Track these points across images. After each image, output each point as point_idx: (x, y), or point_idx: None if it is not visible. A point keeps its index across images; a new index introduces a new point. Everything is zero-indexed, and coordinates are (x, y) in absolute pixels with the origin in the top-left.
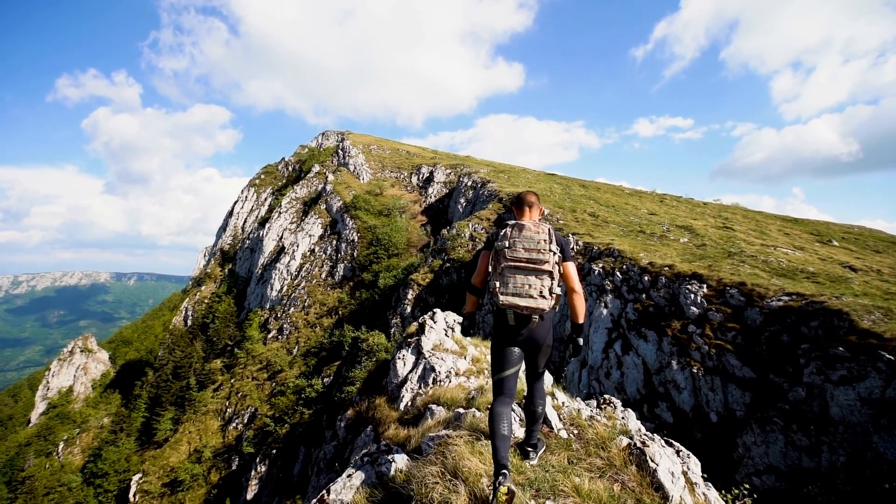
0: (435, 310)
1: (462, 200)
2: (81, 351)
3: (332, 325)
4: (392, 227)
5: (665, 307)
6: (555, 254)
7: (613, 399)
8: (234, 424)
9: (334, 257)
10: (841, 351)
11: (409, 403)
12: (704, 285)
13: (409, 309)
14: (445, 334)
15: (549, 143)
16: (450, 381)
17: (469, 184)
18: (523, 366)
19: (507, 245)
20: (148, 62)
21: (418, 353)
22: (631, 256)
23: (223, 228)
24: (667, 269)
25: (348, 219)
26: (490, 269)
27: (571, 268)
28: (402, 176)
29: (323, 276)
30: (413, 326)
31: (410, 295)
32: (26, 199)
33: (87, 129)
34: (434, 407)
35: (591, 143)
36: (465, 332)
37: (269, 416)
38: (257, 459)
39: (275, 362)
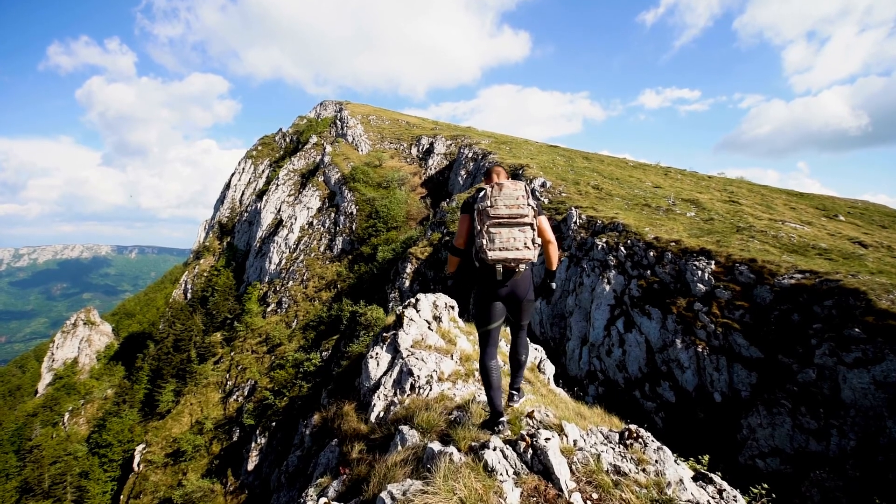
0: (419, 296)
1: (462, 172)
2: (84, 323)
3: (331, 299)
4: (391, 199)
5: (670, 284)
6: (532, 207)
7: (641, 431)
8: (234, 397)
9: (333, 230)
10: (857, 332)
11: (381, 415)
12: (712, 262)
13: (407, 283)
14: (429, 327)
15: (553, 115)
16: (430, 389)
17: (470, 155)
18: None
19: (489, 204)
20: (142, 28)
21: (395, 351)
22: (636, 231)
23: (221, 201)
24: (673, 244)
25: (346, 191)
26: (474, 230)
27: (544, 221)
28: (401, 147)
29: (321, 249)
30: (391, 317)
31: (409, 269)
32: (23, 172)
33: (82, 99)
34: (405, 430)
35: (595, 115)
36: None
37: (268, 389)
38: (257, 431)
39: (274, 336)
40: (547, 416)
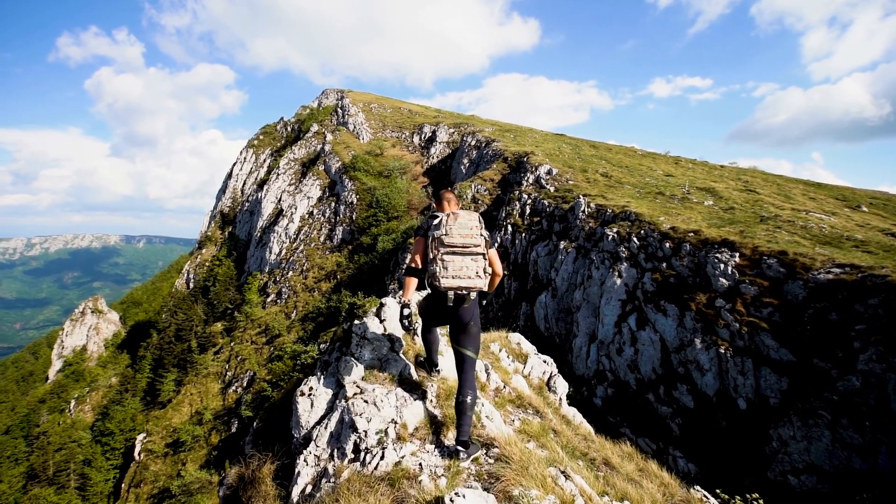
0: (385, 300)
1: (465, 160)
2: (92, 312)
3: (331, 290)
4: (392, 188)
5: (688, 278)
6: (484, 238)
7: None
8: (233, 388)
9: (333, 220)
10: None
11: (308, 491)
12: (736, 254)
13: None
14: (392, 347)
15: (560, 105)
16: (382, 456)
17: (473, 143)
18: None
19: (444, 233)
20: (149, 19)
21: (337, 385)
22: (650, 220)
23: (223, 191)
24: (691, 234)
25: (347, 180)
26: (429, 255)
27: (494, 254)
28: (403, 135)
29: (321, 239)
30: (338, 330)
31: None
32: (35, 162)
33: (91, 90)
34: None
35: (602, 105)
36: (405, 326)
37: (266, 381)
38: (255, 424)
39: (273, 326)
40: None
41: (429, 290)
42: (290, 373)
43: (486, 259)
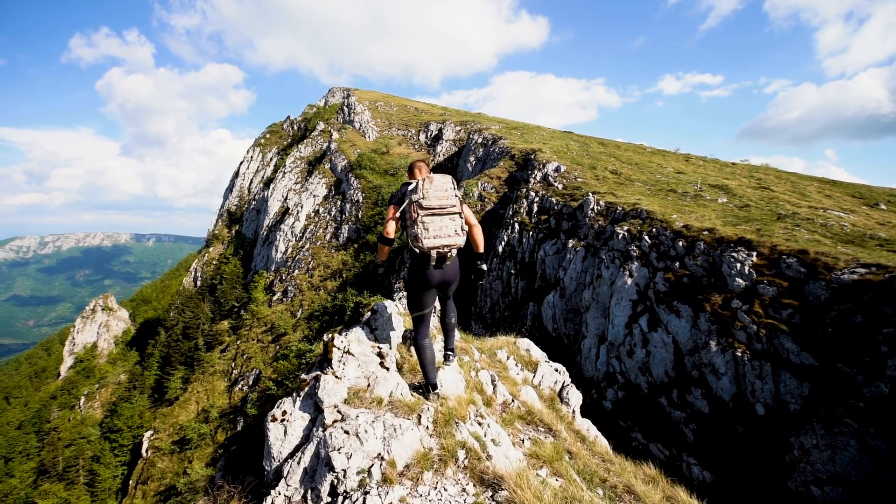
0: (375, 306)
1: (472, 158)
2: (102, 309)
3: (336, 289)
4: (397, 186)
5: (703, 278)
6: (458, 198)
7: None
8: (239, 386)
9: (339, 218)
10: None
11: None
12: (754, 253)
13: None
14: (382, 363)
15: (567, 102)
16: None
17: (479, 141)
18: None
19: (422, 196)
20: (159, 19)
21: (316, 409)
22: (662, 218)
23: (230, 189)
24: (706, 233)
25: (353, 178)
26: (408, 220)
27: (467, 210)
28: (409, 134)
29: (327, 237)
30: (318, 347)
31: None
32: (47, 162)
33: (102, 91)
34: None
35: (611, 102)
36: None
37: (271, 380)
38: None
39: (279, 325)
40: None
41: (409, 274)
42: (296, 371)
43: (462, 217)
